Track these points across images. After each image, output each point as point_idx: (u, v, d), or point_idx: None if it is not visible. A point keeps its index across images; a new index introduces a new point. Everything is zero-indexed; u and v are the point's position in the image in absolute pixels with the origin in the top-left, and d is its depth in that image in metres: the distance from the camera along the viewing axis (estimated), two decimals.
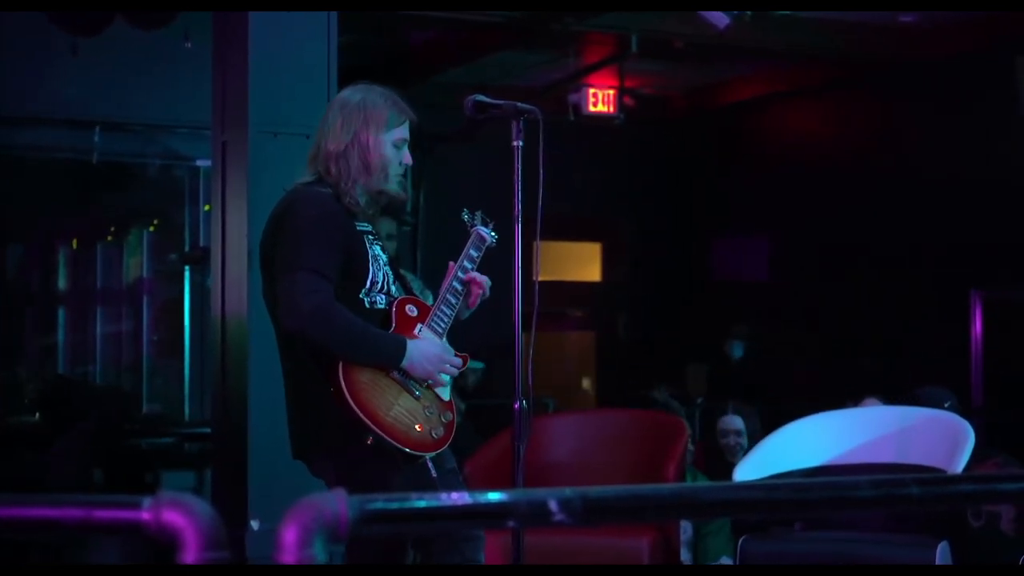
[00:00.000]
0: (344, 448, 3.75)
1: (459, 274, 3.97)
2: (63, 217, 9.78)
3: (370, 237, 3.92)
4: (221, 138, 5.71)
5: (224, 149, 5.67)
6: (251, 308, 5.34)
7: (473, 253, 4.01)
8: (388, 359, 3.77)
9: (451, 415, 3.89)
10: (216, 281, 5.73)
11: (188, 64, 7.62)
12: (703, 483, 6.48)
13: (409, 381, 3.81)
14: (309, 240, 3.74)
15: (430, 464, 3.79)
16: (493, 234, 4.04)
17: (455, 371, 3.91)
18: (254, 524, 5.33)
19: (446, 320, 3.94)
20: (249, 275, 5.35)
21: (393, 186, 3.95)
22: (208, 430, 6.49)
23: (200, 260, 8.61)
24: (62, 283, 10.02)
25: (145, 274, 9.83)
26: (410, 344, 3.80)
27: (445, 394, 3.90)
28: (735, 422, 7.04)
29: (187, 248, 9.40)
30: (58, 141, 9.10)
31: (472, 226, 4.04)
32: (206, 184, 8.88)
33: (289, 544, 1.62)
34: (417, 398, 3.81)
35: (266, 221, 3.91)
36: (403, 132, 3.97)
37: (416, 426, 3.76)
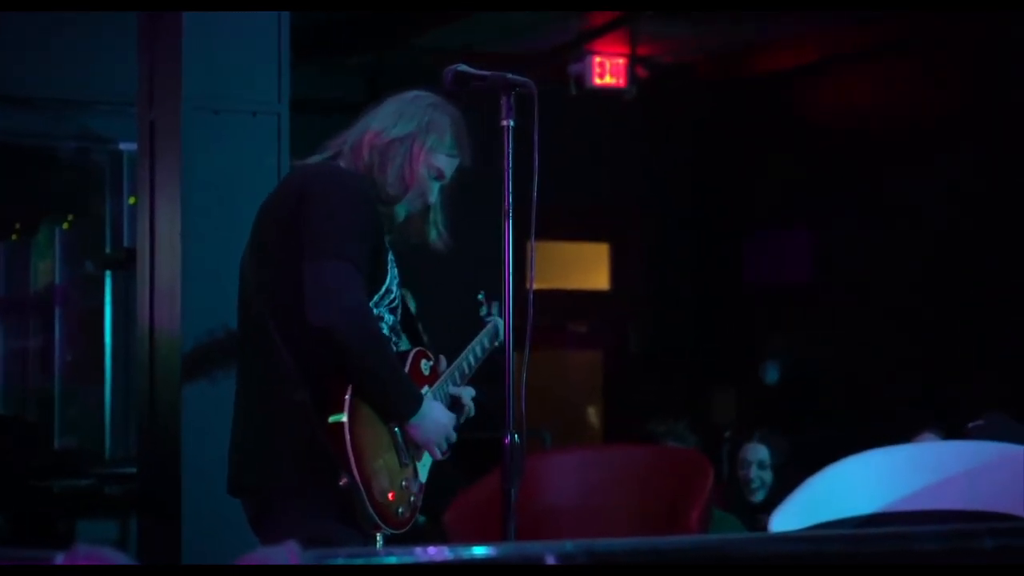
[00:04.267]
0: (307, 486, 3.78)
1: (470, 359, 4.23)
2: None
3: (388, 243, 4.05)
4: (148, 116, 5.71)
5: (152, 129, 5.67)
6: (184, 322, 5.33)
7: (486, 343, 4.33)
8: (404, 401, 3.85)
9: (418, 502, 3.97)
10: (143, 290, 5.72)
11: (109, 29, 7.61)
12: (734, 534, 6.47)
13: (402, 442, 3.89)
14: (350, 226, 3.79)
15: (380, 541, 3.84)
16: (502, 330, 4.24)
17: (440, 455, 4.01)
18: None
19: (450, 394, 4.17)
20: (183, 282, 5.34)
21: (403, 208, 4.01)
22: (133, 469, 6.48)
23: (124, 264, 8.60)
24: None
25: (57, 281, 9.81)
26: (427, 401, 3.91)
27: (424, 474, 4.00)
28: (759, 452, 7.07)
29: (108, 249, 9.39)
30: None
31: (487, 317, 4.37)
32: (131, 172, 8.87)
33: None
34: (403, 465, 3.90)
35: (279, 192, 3.97)
36: (447, 165, 4.02)
37: (389, 493, 3.83)
